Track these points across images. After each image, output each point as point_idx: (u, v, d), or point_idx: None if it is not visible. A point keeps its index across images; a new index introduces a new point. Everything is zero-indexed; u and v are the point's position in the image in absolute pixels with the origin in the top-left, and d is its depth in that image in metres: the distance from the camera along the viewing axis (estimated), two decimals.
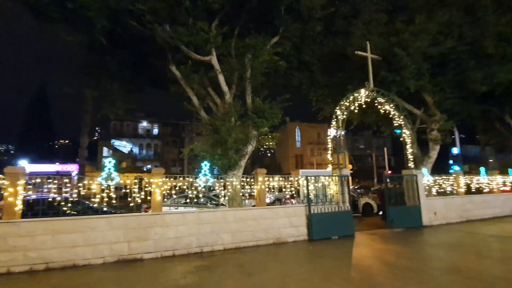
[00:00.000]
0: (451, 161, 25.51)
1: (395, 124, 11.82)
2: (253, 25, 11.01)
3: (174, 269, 5.95)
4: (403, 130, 11.53)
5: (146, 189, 7.35)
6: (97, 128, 45.04)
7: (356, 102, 10.73)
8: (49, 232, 6.05)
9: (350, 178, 9.60)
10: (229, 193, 8.51)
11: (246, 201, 9.39)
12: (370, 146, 49.57)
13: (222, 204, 9.27)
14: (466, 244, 7.84)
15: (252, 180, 8.62)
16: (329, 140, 10.70)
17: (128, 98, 12.39)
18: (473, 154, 41.51)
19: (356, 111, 11.31)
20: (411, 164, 11.27)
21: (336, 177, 9.32)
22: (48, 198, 6.61)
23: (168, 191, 7.77)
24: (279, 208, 8.69)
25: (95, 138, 43.77)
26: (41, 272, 5.75)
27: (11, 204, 5.96)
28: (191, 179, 8.05)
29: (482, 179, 13.23)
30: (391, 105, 11.29)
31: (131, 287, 5.04)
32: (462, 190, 12.33)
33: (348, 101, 10.60)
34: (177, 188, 8.03)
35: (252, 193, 8.95)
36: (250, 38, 10.11)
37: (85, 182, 7.20)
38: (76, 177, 7.93)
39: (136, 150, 42.72)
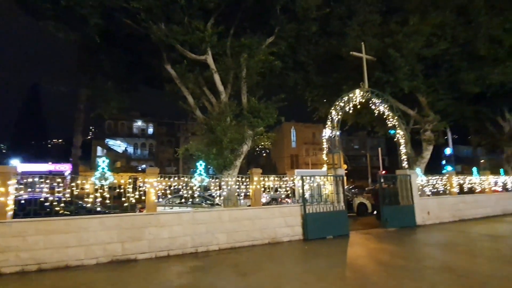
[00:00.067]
0: (444, 161, 25.90)
1: (389, 125, 11.91)
2: (249, 24, 11.01)
3: (169, 270, 5.91)
4: (397, 131, 11.62)
5: (140, 189, 7.30)
6: (91, 127, 44.67)
7: (351, 103, 10.79)
8: (41, 233, 5.97)
9: (345, 178, 9.65)
10: (224, 193, 8.49)
11: (242, 201, 9.38)
12: (364, 146, 49.87)
13: (217, 204, 9.25)
14: (458, 243, 7.93)
15: (247, 180, 8.61)
16: (324, 140, 10.75)
17: (123, 97, 12.32)
18: (466, 154, 42.07)
19: (351, 111, 11.37)
20: (405, 164, 11.37)
21: (331, 177, 9.36)
22: (41, 198, 6.51)
23: (163, 191, 7.72)
24: (275, 208, 8.69)
25: (89, 137, 43.33)
26: (33, 273, 5.67)
27: (2, 204, 5.86)
28: (186, 179, 8.01)
29: (474, 179, 13.41)
30: (386, 106, 11.39)
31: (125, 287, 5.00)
32: (455, 190, 12.48)
33: (343, 101, 10.65)
34: (172, 188, 7.99)
35: (248, 193, 8.94)
36: (246, 38, 10.12)
37: (78, 181, 7.13)
38: (69, 177, 7.82)
39: (130, 149, 42.28)
